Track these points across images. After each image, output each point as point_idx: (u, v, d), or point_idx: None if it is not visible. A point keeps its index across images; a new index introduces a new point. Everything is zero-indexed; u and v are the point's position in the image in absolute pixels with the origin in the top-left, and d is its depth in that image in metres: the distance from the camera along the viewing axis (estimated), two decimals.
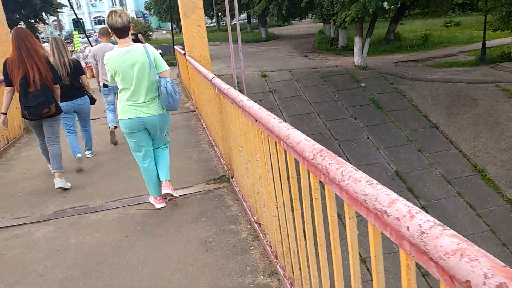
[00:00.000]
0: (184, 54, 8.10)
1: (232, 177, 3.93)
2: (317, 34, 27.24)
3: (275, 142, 1.98)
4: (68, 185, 4.25)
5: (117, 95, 3.37)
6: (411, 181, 10.14)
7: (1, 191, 4.37)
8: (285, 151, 1.83)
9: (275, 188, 2.16)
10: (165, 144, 3.61)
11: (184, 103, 8.54)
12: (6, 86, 4.13)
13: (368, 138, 11.20)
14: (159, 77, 3.16)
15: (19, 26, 4.36)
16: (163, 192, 3.44)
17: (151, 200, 3.62)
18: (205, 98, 5.35)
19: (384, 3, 12.09)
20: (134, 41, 9.46)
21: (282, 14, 21.59)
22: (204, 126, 6.19)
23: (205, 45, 7.47)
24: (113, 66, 3.14)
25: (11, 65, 3.99)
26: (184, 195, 3.81)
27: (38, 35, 31.93)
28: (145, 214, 3.52)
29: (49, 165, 4.50)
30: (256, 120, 2.16)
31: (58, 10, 34.51)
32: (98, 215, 3.58)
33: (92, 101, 5.11)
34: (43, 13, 31.22)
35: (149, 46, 3.21)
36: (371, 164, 10.34)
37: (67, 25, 61.04)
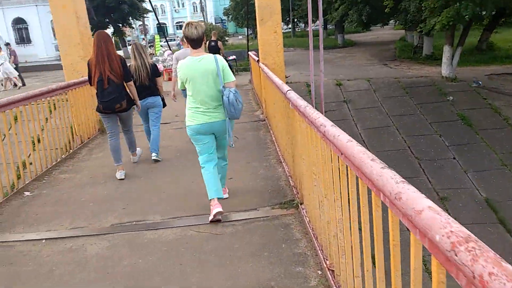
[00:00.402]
0: (258, 60, 7.79)
1: (301, 204, 3.45)
2: (398, 42, 25.66)
3: (368, 188, 1.47)
4: (136, 159, 5.16)
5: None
6: (505, 212, 8.78)
7: (67, 194, 4.32)
8: (383, 203, 1.32)
9: (362, 244, 1.65)
10: (225, 156, 3.80)
11: (254, 111, 8.22)
12: (91, 85, 4.61)
13: (454, 159, 9.99)
14: (223, 86, 3.31)
15: (101, 30, 4.85)
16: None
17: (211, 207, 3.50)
18: (276, 110, 4.94)
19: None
20: (213, 47, 9.72)
21: (362, 20, 20.55)
22: (273, 139, 5.78)
23: (280, 52, 7.09)
24: (185, 73, 3.33)
25: (91, 65, 4.44)
26: (247, 219, 3.41)
27: (125, 38, 34.11)
28: (203, 238, 3.17)
29: (115, 164, 4.75)
30: (341, 154, 1.67)
31: (144, 15, 36.62)
32: (155, 233, 3.31)
33: (163, 103, 5.49)
34: (130, 18, 33.30)
35: (219, 57, 3.38)
36: (457, 189, 9.15)
37: (152, 29, 64.86)
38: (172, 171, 4.84)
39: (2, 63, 15.88)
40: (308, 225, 3.08)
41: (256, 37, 23.39)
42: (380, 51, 23.57)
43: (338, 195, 1.92)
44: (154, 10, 20.67)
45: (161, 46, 23.63)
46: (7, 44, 17.48)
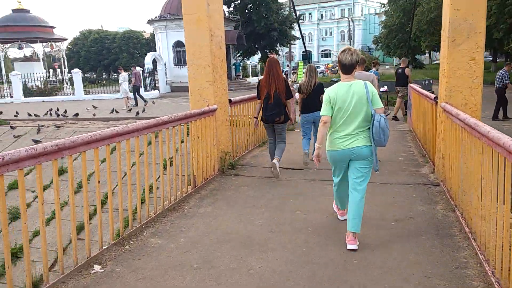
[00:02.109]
0: (436, 98, 5.59)
1: None
2: None
3: None
4: (277, 164, 5.47)
5: None
6: None
7: (142, 282, 2.92)
8: None
9: None
10: (362, 183, 3.39)
11: (419, 166, 5.95)
12: (258, 99, 5.68)
13: None
14: (374, 111, 3.25)
15: (273, 56, 6.58)
16: (349, 247, 3.28)
17: (334, 207, 3.88)
18: (490, 194, 2.76)
19: None
20: (400, 74, 11.14)
21: None
22: (467, 228, 3.55)
23: (477, 89, 4.82)
24: (334, 97, 3.31)
25: (262, 84, 5.49)
26: None
27: None
28: None
29: (272, 161, 5.58)
30: None
31: (292, 42, 36.77)
32: None
33: None
34: (278, 44, 33.62)
35: (368, 84, 3.34)
36: None
37: (297, 57, 65.92)
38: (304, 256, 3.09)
39: (121, 83, 16.89)
40: None
41: (410, 66, 20.24)
42: None
43: None
44: (302, 37, 19.86)
45: (303, 73, 22.64)
46: (134, 67, 18.74)
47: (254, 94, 6.35)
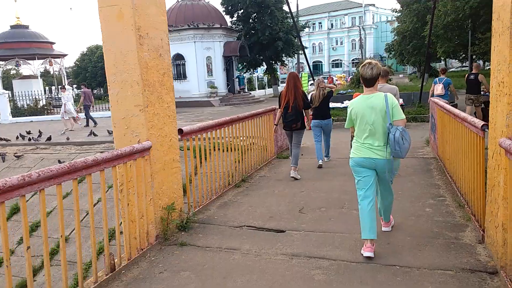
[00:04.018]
0: (484, 126, 3.62)
1: None
2: None
3: None
4: (298, 176, 6.13)
5: None
6: None
7: None
8: None
9: None
10: (389, 189, 3.67)
11: (458, 230, 3.93)
12: (279, 108, 6.48)
13: None
14: (390, 124, 3.33)
15: (293, 71, 4.71)
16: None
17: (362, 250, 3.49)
18: None
19: None
20: (472, 80, 10.37)
21: None
22: None
23: None
24: (355, 110, 3.47)
25: (282, 94, 6.31)
26: None
27: (276, 76, 32.73)
28: None
29: (291, 165, 6.25)
30: None
31: (299, 52, 34.99)
32: None
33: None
34: (283, 55, 31.85)
35: (389, 95, 3.41)
36: None
37: (307, 67, 64.04)
38: None
39: (65, 103, 15.58)
40: None
41: (422, 76, 17.82)
42: None
43: None
44: (303, 47, 18.16)
45: (309, 85, 20.78)
46: (83, 85, 17.36)
47: (230, 117, 6.11)
